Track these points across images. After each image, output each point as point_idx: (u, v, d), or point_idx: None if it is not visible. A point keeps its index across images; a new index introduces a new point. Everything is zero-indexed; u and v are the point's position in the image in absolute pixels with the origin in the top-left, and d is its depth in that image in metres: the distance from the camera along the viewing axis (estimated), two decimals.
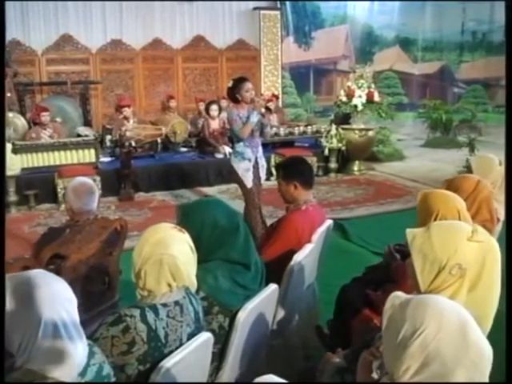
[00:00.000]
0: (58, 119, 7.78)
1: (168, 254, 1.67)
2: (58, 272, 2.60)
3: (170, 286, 1.70)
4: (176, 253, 1.68)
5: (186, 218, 2.10)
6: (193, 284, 1.77)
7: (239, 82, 4.39)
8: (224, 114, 7.07)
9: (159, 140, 7.68)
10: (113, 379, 1.48)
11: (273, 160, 7.14)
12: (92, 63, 8.87)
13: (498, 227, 3.10)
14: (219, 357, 2.04)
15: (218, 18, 9.84)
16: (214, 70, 9.83)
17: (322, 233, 2.83)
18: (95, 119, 8.79)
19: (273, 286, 2.21)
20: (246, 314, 1.96)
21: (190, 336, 1.76)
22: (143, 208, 6.25)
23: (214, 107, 7.77)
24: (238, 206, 4.68)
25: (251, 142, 4.37)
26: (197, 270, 1.99)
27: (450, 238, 1.57)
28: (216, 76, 9.83)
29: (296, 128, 8.32)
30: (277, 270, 2.52)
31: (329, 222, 2.97)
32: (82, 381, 1.34)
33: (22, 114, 7.75)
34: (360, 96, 7.72)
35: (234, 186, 5.38)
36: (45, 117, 7.06)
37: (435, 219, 2.13)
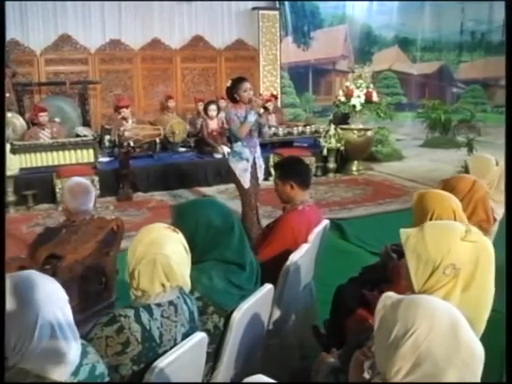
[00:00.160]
0: (57, 119, 7.77)
1: (161, 254, 1.67)
2: (54, 272, 2.61)
3: (163, 285, 1.70)
4: (169, 253, 1.68)
5: (181, 218, 2.10)
6: (186, 284, 1.77)
7: (237, 81, 4.39)
8: (222, 114, 7.07)
9: (158, 140, 7.68)
10: (106, 379, 1.47)
11: (271, 160, 7.15)
12: (91, 63, 8.87)
13: (495, 227, 3.10)
14: (214, 357, 2.04)
15: (216, 18, 9.85)
16: (213, 70, 9.84)
17: (319, 233, 2.83)
18: (94, 119, 8.79)
19: (268, 286, 2.21)
20: (240, 314, 1.96)
21: (185, 336, 1.76)
22: (141, 208, 6.25)
23: (213, 107, 7.78)
24: (237, 206, 4.68)
25: (249, 142, 4.37)
26: (192, 271, 1.99)
27: (443, 237, 1.57)
28: (215, 76, 9.83)
29: (295, 128, 8.32)
30: (273, 270, 2.52)
31: (325, 222, 2.97)
32: (75, 380, 1.34)
33: (21, 114, 7.76)
34: (358, 96, 7.72)
35: (232, 186, 5.39)
36: (43, 117, 7.06)
37: (430, 219, 2.13)
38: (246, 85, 4.33)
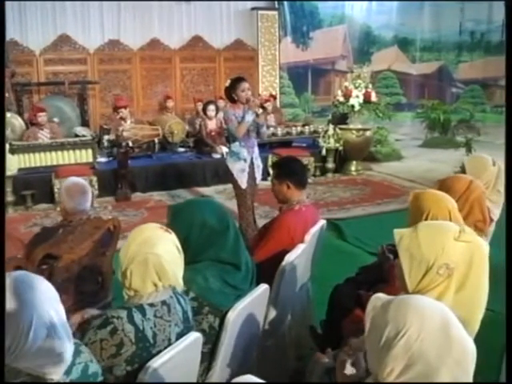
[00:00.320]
0: (56, 119, 7.78)
1: (153, 254, 1.67)
2: (50, 272, 2.61)
3: (155, 285, 1.70)
4: (161, 252, 1.68)
5: (176, 219, 2.11)
6: (179, 284, 1.77)
7: (236, 81, 4.40)
8: (221, 114, 7.07)
9: (156, 140, 7.68)
10: (99, 378, 1.48)
11: (270, 160, 7.14)
12: (90, 63, 8.87)
13: (492, 227, 3.10)
14: (209, 357, 2.04)
15: (215, 18, 9.85)
16: (212, 70, 9.84)
17: (315, 233, 2.83)
18: (93, 119, 8.79)
19: (263, 286, 2.21)
20: (235, 314, 1.96)
21: (179, 336, 1.76)
22: (140, 208, 6.25)
23: (211, 107, 7.78)
24: (235, 206, 4.67)
25: (247, 143, 4.37)
26: (187, 271, 1.99)
27: (437, 237, 1.58)
28: (214, 76, 9.84)
29: (293, 128, 8.32)
30: (270, 270, 2.52)
31: (322, 222, 2.97)
32: (67, 380, 1.35)
33: (20, 114, 7.76)
34: (357, 96, 7.72)
35: (230, 186, 5.38)
36: (42, 117, 7.06)
37: (426, 219, 2.13)
38: (244, 85, 4.33)
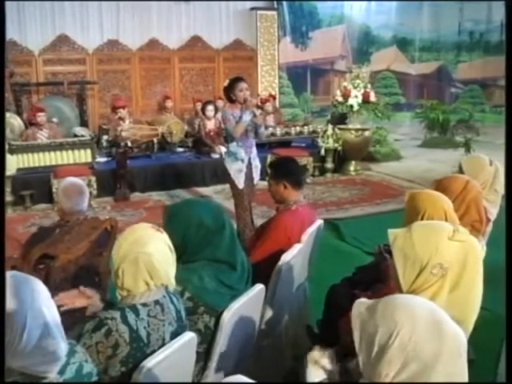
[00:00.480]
0: (55, 119, 7.80)
1: (144, 253, 1.67)
2: (47, 272, 2.61)
3: (147, 284, 1.70)
4: (152, 251, 1.68)
5: (173, 219, 2.11)
6: (171, 283, 1.77)
7: (234, 81, 4.41)
8: (220, 115, 7.08)
9: (155, 140, 7.69)
10: (94, 378, 1.48)
11: (269, 160, 7.14)
12: (89, 63, 8.88)
13: (489, 227, 3.10)
14: (205, 357, 2.04)
15: (214, 18, 9.85)
16: (211, 71, 9.84)
17: (312, 233, 2.83)
18: (92, 119, 8.80)
19: (259, 286, 2.21)
20: (230, 314, 1.96)
21: (173, 335, 1.76)
22: (138, 208, 6.26)
23: (210, 107, 7.79)
24: (233, 206, 4.68)
25: (245, 143, 4.37)
26: (182, 270, 2.00)
27: (430, 237, 1.57)
28: (213, 76, 9.84)
29: (292, 128, 8.32)
30: (266, 270, 2.52)
31: (319, 222, 2.97)
32: (61, 379, 1.35)
33: (19, 114, 7.77)
34: (356, 96, 7.73)
35: (229, 186, 5.39)
36: (41, 117, 7.07)
37: (422, 219, 2.13)
38: (242, 85, 4.33)
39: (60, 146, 6.77)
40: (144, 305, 1.70)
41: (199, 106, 8.41)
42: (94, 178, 6.37)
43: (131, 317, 1.66)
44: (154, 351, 1.67)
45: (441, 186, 2.67)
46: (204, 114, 7.84)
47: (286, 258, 2.47)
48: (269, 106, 8.46)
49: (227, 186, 6.23)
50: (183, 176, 7.18)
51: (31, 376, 1.32)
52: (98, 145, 7.51)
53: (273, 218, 3.01)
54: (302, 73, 11.24)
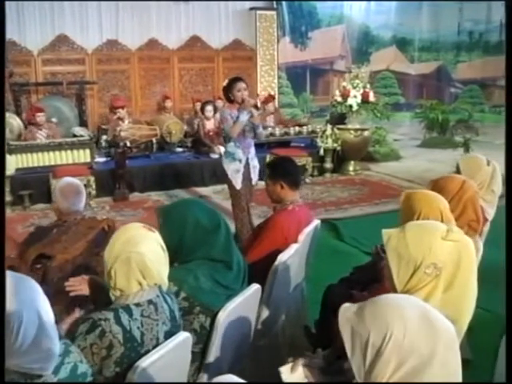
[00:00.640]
0: (54, 119, 7.80)
1: (136, 252, 1.67)
2: (44, 272, 2.61)
3: (140, 284, 1.70)
4: (144, 251, 1.68)
5: (168, 220, 2.11)
6: (164, 282, 1.77)
7: (233, 81, 4.41)
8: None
9: (155, 140, 7.69)
10: (88, 378, 1.48)
11: (268, 160, 7.14)
12: (88, 63, 8.87)
13: (486, 227, 3.10)
14: (201, 357, 2.04)
15: (214, 18, 9.83)
16: (210, 71, 9.84)
17: (309, 233, 2.83)
18: (91, 119, 8.79)
19: (255, 286, 2.21)
20: (226, 314, 1.96)
21: (167, 334, 1.76)
22: (137, 208, 6.26)
23: (209, 108, 7.79)
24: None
25: (243, 143, 4.37)
26: (178, 270, 2.00)
27: (424, 237, 1.57)
28: (212, 76, 9.83)
29: (291, 128, 8.31)
30: (263, 270, 2.53)
31: (316, 222, 2.97)
32: (55, 379, 1.35)
33: (18, 114, 7.76)
34: (355, 96, 7.73)
35: None
36: (40, 117, 7.08)
37: (418, 219, 2.13)
38: (240, 85, 4.33)
39: (59, 146, 6.77)
40: (137, 305, 1.70)
41: (198, 106, 8.40)
42: (92, 178, 6.38)
43: (124, 317, 1.66)
44: (148, 351, 1.68)
45: (437, 186, 2.67)
46: (203, 114, 7.84)
47: (282, 257, 2.47)
48: (271, 106, 8.47)
49: (226, 186, 6.27)
50: (182, 176, 7.18)
51: (26, 375, 1.32)
52: (97, 145, 7.52)
53: (269, 218, 3.01)
54: (302, 73, 11.23)
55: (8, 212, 6.03)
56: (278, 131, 8.14)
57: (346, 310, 1.22)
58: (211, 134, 7.75)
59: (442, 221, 2.05)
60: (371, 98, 7.87)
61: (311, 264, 3.20)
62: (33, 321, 1.29)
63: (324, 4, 11.28)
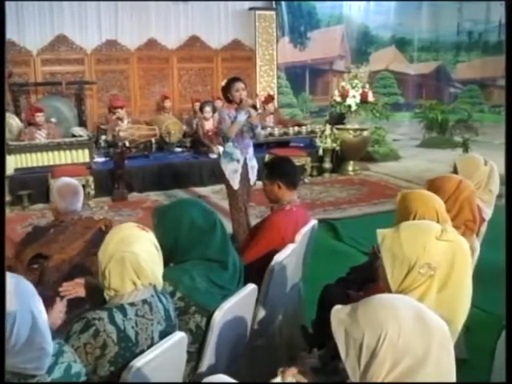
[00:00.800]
0: (53, 119, 7.79)
1: (130, 252, 1.67)
2: (41, 272, 2.61)
3: (134, 284, 1.70)
4: (138, 250, 1.68)
5: (164, 220, 2.11)
6: (159, 282, 1.77)
7: (231, 81, 4.42)
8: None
9: (154, 140, 7.69)
10: (82, 378, 1.48)
11: (266, 160, 7.14)
12: (87, 63, 8.87)
13: (483, 227, 3.10)
14: (197, 356, 2.04)
15: (213, 18, 9.83)
16: (210, 71, 9.84)
17: (306, 233, 2.83)
18: (90, 119, 8.79)
19: (251, 286, 2.21)
20: (221, 314, 1.96)
21: (162, 334, 1.76)
22: (136, 208, 6.26)
23: (208, 108, 7.81)
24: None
25: (241, 143, 4.37)
26: (173, 270, 2.00)
27: (418, 237, 1.57)
28: (211, 76, 9.83)
29: (290, 128, 8.31)
30: (260, 270, 2.52)
31: (313, 222, 2.97)
32: (49, 379, 1.36)
33: (17, 114, 7.77)
34: (354, 96, 7.73)
35: None
36: (39, 117, 7.07)
37: (414, 219, 2.13)
38: (239, 85, 4.34)
39: (58, 146, 6.77)
40: (132, 304, 1.70)
41: (197, 106, 8.40)
42: (91, 178, 6.39)
43: (118, 317, 1.66)
44: (143, 351, 1.67)
45: (434, 185, 2.67)
46: (202, 114, 7.84)
47: (279, 257, 2.47)
48: (271, 107, 8.48)
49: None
50: (181, 176, 7.19)
51: (19, 375, 1.32)
52: (96, 145, 7.52)
53: (267, 217, 3.01)
54: (301, 73, 11.23)
55: (7, 212, 6.03)
56: (277, 131, 8.14)
57: (339, 312, 1.22)
58: (210, 134, 7.75)
59: (437, 221, 2.05)
60: (370, 97, 7.88)
61: (309, 264, 3.20)
62: (26, 321, 1.29)
63: (323, 4, 11.27)
